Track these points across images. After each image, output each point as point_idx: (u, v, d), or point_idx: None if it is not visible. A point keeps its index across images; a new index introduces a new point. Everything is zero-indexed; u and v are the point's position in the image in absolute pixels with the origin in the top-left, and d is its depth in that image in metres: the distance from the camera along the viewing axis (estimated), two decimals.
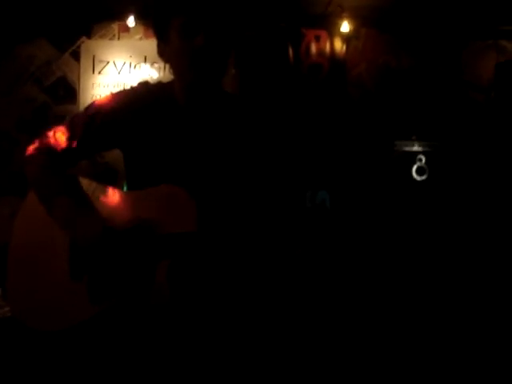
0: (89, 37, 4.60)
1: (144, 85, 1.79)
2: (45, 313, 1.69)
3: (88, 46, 4.59)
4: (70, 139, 1.74)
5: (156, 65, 4.49)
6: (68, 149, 1.75)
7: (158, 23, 1.70)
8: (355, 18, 4.50)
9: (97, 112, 1.73)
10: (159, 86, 1.80)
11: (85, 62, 4.58)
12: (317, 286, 3.61)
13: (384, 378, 3.21)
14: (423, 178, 4.21)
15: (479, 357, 3.19)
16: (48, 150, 1.75)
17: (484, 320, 3.48)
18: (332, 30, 4.61)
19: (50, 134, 1.78)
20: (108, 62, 4.57)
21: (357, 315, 3.64)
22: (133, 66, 4.55)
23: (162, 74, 4.43)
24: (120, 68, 4.56)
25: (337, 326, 3.52)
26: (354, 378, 3.18)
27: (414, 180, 4.22)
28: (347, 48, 4.69)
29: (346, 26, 4.46)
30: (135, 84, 1.81)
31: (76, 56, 4.60)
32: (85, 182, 1.75)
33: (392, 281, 3.93)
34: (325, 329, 3.45)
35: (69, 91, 4.58)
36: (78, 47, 4.59)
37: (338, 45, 4.66)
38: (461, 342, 3.40)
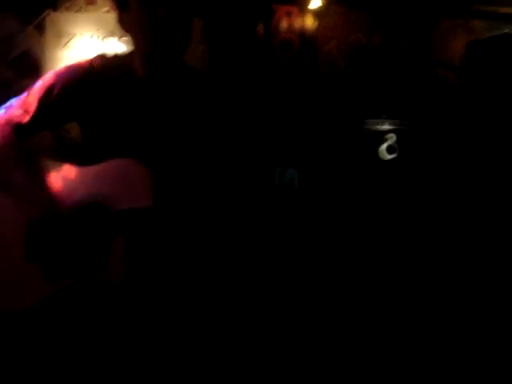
0: (54, 9, 4.46)
1: (100, 57, 1.75)
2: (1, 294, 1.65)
3: (53, 18, 4.45)
4: (26, 112, 1.70)
5: (124, 38, 4.38)
6: (25, 121, 1.71)
7: None
8: None
9: (53, 84, 1.69)
10: (116, 57, 1.76)
11: (50, 35, 4.45)
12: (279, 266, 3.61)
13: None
14: (393, 156, 4.21)
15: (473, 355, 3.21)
16: (4, 123, 1.71)
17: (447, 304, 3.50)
18: (303, 6, 4.55)
19: (7, 106, 1.75)
20: (74, 35, 4.45)
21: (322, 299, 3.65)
22: (100, 39, 4.44)
23: (129, 47, 4.34)
24: (86, 41, 4.45)
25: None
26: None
27: (384, 158, 4.22)
28: (318, 25, 4.64)
29: (317, 2, 4.41)
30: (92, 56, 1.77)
31: (40, 29, 4.47)
32: (42, 159, 1.71)
33: (360, 261, 3.94)
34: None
35: (33, 66, 4.45)
36: (43, 20, 4.45)
37: (309, 21, 4.60)
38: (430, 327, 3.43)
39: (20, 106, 1.70)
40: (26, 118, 1.67)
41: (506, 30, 4.78)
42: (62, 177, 1.62)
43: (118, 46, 4.42)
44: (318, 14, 4.60)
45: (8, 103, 1.76)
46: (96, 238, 1.53)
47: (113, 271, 1.50)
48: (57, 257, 1.54)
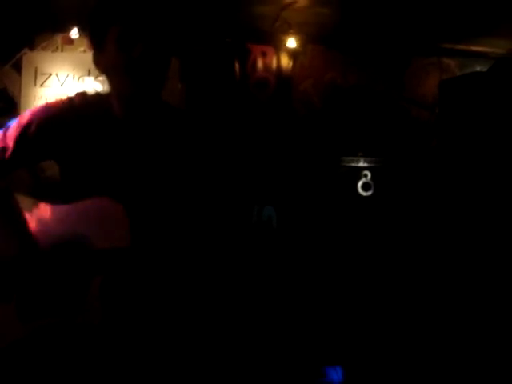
0: (31, 48, 4.49)
1: (81, 95, 1.74)
2: None
3: (30, 57, 4.48)
4: (1, 150, 1.69)
5: (100, 78, 4.40)
6: (0, 159, 1.69)
7: (94, 32, 1.65)
8: (302, 34, 4.52)
9: (31, 122, 1.68)
10: (97, 97, 1.76)
11: (27, 74, 4.46)
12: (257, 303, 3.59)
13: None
14: (369, 193, 4.24)
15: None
16: None
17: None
18: (278, 45, 4.61)
19: None
20: (50, 75, 4.47)
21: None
22: (76, 78, 4.46)
23: (106, 87, 4.33)
24: (63, 81, 4.46)
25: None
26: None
27: (360, 195, 4.25)
28: (294, 64, 4.70)
29: (292, 42, 4.47)
30: (72, 94, 1.76)
31: (17, 68, 4.48)
32: (18, 198, 1.69)
33: (339, 296, 3.93)
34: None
35: (9, 104, 4.45)
36: (20, 59, 4.47)
37: (285, 61, 4.67)
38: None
39: None
40: (3, 156, 1.66)
41: (478, 68, 4.88)
42: (38, 215, 1.61)
43: (94, 85, 4.44)
44: (293, 53, 4.67)
45: None
46: (73, 278, 1.51)
47: (90, 311, 1.48)
48: (32, 297, 1.52)
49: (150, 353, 1.64)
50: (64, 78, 4.47)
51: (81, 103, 1.71)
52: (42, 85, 4.46)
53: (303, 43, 4.63)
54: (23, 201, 1.67)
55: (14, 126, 1.71)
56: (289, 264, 3.93)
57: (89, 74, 4.44)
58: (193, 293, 1.70)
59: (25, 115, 1.72)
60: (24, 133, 1.67)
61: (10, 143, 1.68)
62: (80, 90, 1.78)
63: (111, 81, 1.68)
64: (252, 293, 3.48)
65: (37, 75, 4.47)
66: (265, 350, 3.39)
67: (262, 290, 3.61)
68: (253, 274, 3.69)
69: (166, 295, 1.64)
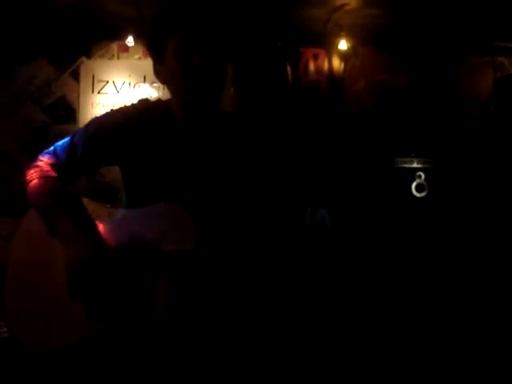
0: (88, 57, 4.62)
1: (144, 102, 1.80)
2: (43, 333, 1.68)
3: (87, 65, 4.61)
4: (70, 156, 1.75)
5: (155, 84, 4.49)
6: (69, 166, 1.76)
7: (153, 43, 1.71)
8: (353, 36, 4.52)
9: (97, 129, 1.74)
10: (158, 103, 1.81)
11: (84, 81, 4.60)
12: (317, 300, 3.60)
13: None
14: (423, 194, 4.21)
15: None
16: (49, 168, 1.75)
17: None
18: (330, 48, 4.63)
19: (51, 151, 1.79)
20: (107, 82, 4.59)
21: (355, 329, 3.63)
22: (132, 85, 4.57)
23: (161, 93, 4.42)
24: (119, 87, 4.58)
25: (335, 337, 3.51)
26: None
27: (414, 197, 4.22)
28: (345, 66, 4.71)
29: (343, 44, 4.48)
30: (135, 101, 1.81)
31: (75, 76, 4.61)
32: (84, 202, 1.74)
33: (392, 298, 3.92)
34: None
35: (68, 111, 4.59)
36: (78, 67, 4.61)
37: (336, 63, 4.69)
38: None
39: (64, 152, 1.74)
40: (72, 162, 1.72)
41: None
42: (104, 219, 1.66)
43: (149, 91, 4.53)
44: (345, 55, 4.68)
45: (52, 148, 1.78)
46: (139, 280, 1.56)
47: (155, 311, 1.53)
48: (100, 297, 1.57)
49: (215, 352, 1.67)
50: (120, 84, 4.59)
51: (144, 109, 1.77)
52: (99, 92, 4.59)
53: (354, 45, 4.63)
54: (89, 205, 1.73)
55: (80, 132, 1.77)
56: (342, 266, 3.94)
57: (144, 81, 4.54)
58: (254, 292, 1.74)
59: (91, 122, 1.78)
60: (91, 139, 1.73)
61: (78, 149, 1.74)
62: (137, 96, 1.83)
63: (172, 90, 1.73)
64: (308, 293, 3.49)
65: (94, 82, 4.60)
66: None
67: (316, 290, 3.62)
68: (307, 275, 3.71)
69: (230, 296, 1.68)
